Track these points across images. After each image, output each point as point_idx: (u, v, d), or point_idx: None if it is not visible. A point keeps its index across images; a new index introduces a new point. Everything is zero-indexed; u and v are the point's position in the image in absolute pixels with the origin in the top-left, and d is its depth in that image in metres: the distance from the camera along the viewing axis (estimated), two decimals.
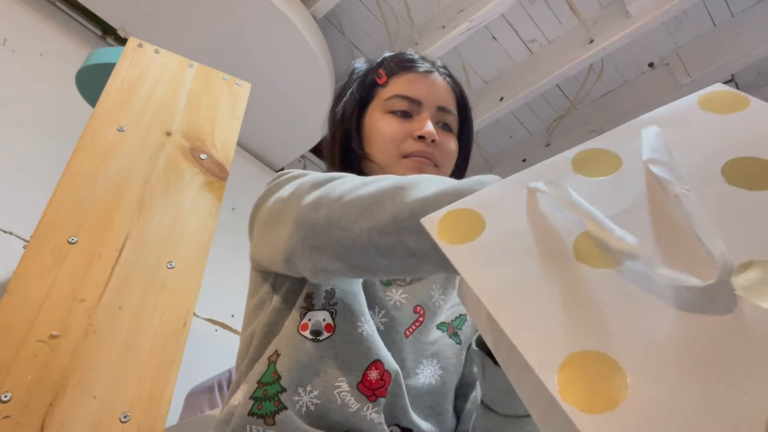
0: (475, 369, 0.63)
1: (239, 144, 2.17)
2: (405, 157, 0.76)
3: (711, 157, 0.35)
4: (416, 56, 0.85)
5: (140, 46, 1.11)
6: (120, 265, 0.86)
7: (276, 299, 0.69)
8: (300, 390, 0.60)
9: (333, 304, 0.65)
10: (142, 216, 0.92)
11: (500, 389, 0.60)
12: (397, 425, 0.63)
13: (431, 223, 0.39)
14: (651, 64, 2.50)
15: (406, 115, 0.79)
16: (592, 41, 2.25)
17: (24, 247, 0.82)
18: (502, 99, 2.51)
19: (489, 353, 0.58)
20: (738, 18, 2.27)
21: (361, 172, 0.80)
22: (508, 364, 0.32)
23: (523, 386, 0.30)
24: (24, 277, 0.79)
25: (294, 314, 0.65)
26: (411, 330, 0.70)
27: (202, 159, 1.05)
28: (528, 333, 0.29)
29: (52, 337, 0.77)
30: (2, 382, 0.71)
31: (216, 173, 1.05)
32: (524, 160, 2.83)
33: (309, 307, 0.65)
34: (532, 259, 0.33)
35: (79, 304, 0.81)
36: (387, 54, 0.86)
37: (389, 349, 0.66)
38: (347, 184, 0.54)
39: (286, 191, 0.62)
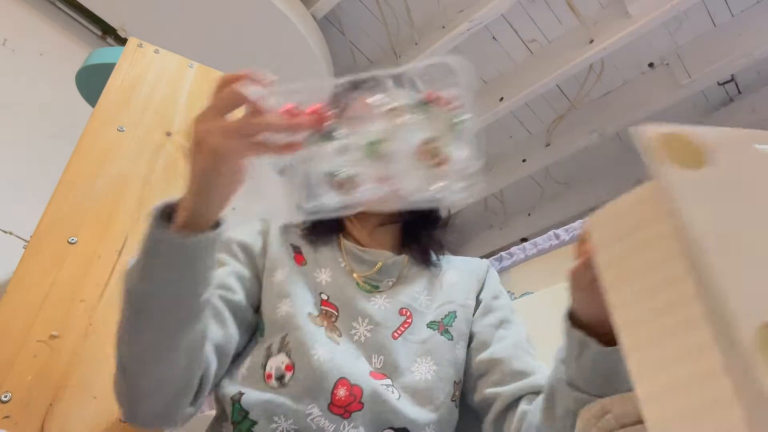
0: (564, 347, 0.59)
1: None
2: None
3: None
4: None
5: (140, 46, 1.11)
6: (120, 265, 0.86)
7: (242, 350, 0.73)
8: (275, 418, 0.62)
9: (287, 343, 0.67)
10: (142, 216, 0.92)
11: (600, 371, 0.55)
12: (391, 428, 0.65)
13: (650, 138, 0.32)
14: (651, 64, 2.50)
15: None
16: (592, 41, 2.25)
17: (24, 247, 0.82)
18: (502, 99, 2.51)
19: (591, 334, 0.54)
20: (738, 18, 2.27)
21: None
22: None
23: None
24: (24, 277, 0.79)
25: (256, 364, 0.68)
26: (400, 332, 0.73)
27: None
28: (738, 283, 0.26)
29: (52, 337, 0.77)
30: (2, 382, 0.71)
31: None
32: (524, 160, 2.83)
33: (269, 354, 0.68)
34: (760, 208, 0.30)
35: (79, 304, 0.81)
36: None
37: (379, 353, 0.70)
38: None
39: None
